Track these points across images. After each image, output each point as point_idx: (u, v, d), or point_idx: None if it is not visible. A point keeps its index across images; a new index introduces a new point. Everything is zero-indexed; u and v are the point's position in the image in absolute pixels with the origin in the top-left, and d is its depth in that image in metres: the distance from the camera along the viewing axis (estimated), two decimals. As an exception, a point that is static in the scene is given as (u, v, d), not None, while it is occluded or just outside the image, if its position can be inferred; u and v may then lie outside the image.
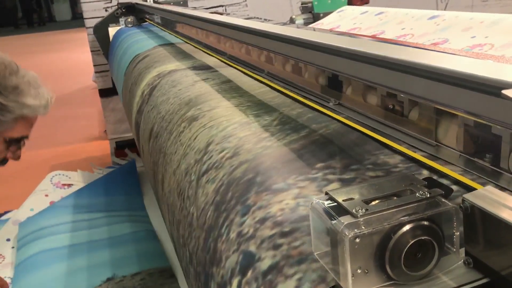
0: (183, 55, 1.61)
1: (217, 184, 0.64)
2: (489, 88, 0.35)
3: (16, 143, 1.41)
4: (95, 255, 1.81)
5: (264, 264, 0.45)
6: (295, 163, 0.59)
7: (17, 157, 1.44)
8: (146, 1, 2.76)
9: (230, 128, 0.77)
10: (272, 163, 0.60)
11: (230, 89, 1.03)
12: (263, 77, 1.08)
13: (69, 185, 2.51)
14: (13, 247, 1.99)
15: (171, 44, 1.88)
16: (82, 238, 1.95)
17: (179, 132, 0.90)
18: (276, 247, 0.46)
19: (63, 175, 2.57)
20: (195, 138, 0.82)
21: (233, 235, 0.53)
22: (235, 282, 0.47)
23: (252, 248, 0.48)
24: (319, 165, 0.57)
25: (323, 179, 0.54)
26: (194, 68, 1.32)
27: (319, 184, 0.53)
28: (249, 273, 0.46)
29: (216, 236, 0.56)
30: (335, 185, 0.52)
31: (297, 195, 0.51)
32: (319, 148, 0.62)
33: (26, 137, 1.43)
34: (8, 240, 2.05)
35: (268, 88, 0.99)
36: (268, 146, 0.66)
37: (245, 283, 0.46)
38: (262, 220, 0.50)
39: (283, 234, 0.46)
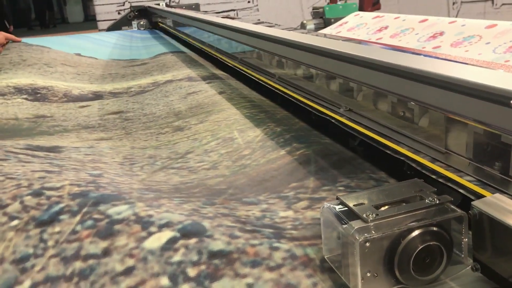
0: (187, 62, 1.62)
1: (184, 179, 0.64)
2: (499, 98, 0.36)
3: None
4: None
5: (215, 245, 0.44)
6: (269, 182, 0.60)
7: None
8: (159, 4, 2.79)
9: (213, 143, 0.78)
10: (247, 181, 0.62)
11: (222, 100, 1.04)
12: (274, 82, 1.09)
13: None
14: None
15: (177, 52, 1.90)
16: None
17: (158, 132, 0.89)
18: (233, 237, 0.45)
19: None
20: (175, 143, 0.81)
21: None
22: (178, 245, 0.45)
23: (206, 223, 0.47)
24: (292, 184, 0.58)
25: (294, 197, 0.55)
26: (190, 79, 1.32)
27: (288, 202, 0.54)
28: (193, 241, 0.44)
29: None
30: (305, 203, 0.53)
31: (265, 209, 0.53)
32: (295, 169, 0.63)
33: None
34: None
35: (262, 98, 1.01)
36: (247, 164, 0.67)
37: (183, 246, 0.44)
38: (225, 215, 0.50)
39: (243, 230, 0.46)
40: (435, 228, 0.37)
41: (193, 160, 0.71)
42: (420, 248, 0.36)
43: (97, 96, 1.25)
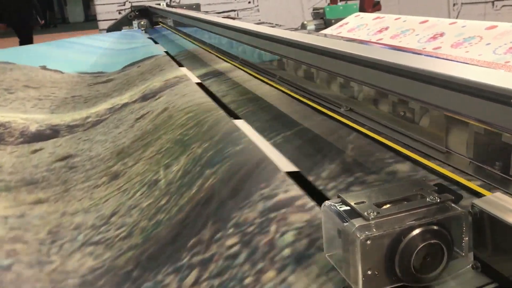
0: (157, 68, 1.59)
1: (96, 262, 0.63)
2: (500, 97, 0.36)
3: None
4: None
5: None
6: (171, 247, 0.59)
7: None
8: (159, 4, 2.80)
9: (138, 194, 0.77)
10: (156, 248, 0.60)
11: (163, 122, 1.03)
12: (275, 82, 1.10)
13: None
14: None
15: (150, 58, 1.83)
16: None
17: (95, 185, 0.88)
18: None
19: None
20: (106, 201, 0.80)
21: None
22: None
23: None
24: (190, 243, 0.57)
25: (188, 266, 0.53)
26: (143, 98, 1.31)
27: (182, 277, 0.52)
28: None
29: None
30: (195, 273, 0.52)
31: None
32: (198, 215, 0.62)
33: None
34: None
35: (203, 97, 1.00)
36: (160, 221, 0.66)
37: None
38: None
39: None
40: (436, 227, 0.37)
41: (114, 227, 0.70)
42: (421, 246, 0.36)
43: (54, 132, 1.22)
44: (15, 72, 1.75)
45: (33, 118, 1.31)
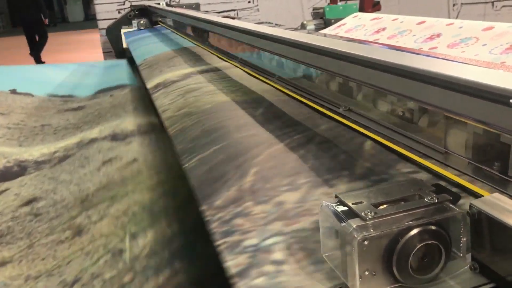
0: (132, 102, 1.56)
1: None
2: (498, 97, 0.36)
3: None
4: None
5: None
6: None
7: None
8: (159, 4, 2.79)
9: (101, 261, 0.75)
10: None
11: (132, 174, 1.01)
12: (274, 81, 1.09)
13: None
14: None
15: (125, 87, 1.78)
16: None
17: (58, 241, 0.85)
18: None
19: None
20: (68, 263, 0.77)
21: None
22: None
23: None
24: None
25: None
26: (113, 137, 1.29)
27: None
28: None
29: None
30: None
31: None
32: None
33: None
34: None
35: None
36: None
37: None
38: None
39: None
40: (433, 227, 0.37)
41: None
42: (418, 246, 0.36)
43: (21, 169, 1.21)
44: None
45: (1, 152, 1.29)
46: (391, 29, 1.51)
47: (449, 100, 0.42)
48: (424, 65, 0.45)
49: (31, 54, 7.17)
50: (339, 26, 1.80)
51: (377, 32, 1.55)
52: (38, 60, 7.09)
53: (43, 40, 7.24)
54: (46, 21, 7.14)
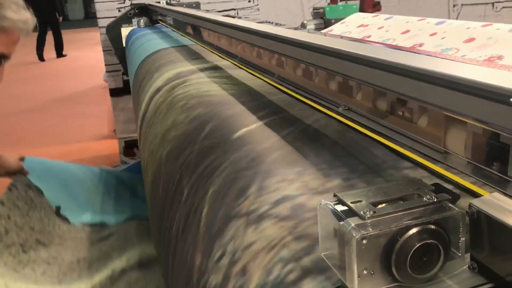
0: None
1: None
2: (498, 96, 0.36)
3: None
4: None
5: None
6: None
7: None
8: (159, 2, 2.79)
9: None
10: None
11: None
12: (273, 80, 1.09)
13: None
14: None
15: None
16: None
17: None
18: None
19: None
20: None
21: None
22: None
23: None
24: None
25: None
26: None
27: None
28: None
29: None
30: None
31: None
32: None
33: (7, 56, 1.37)
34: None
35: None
36: None
37: None
38: None
39: None
40: (432, 226, 0.37)
41: None
42: (417, 246, 0.36)
43: None
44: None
45: None
46: (375, 37, 1.54)
47: (449, 99, 0.42)
48: (424, 64, 0.45)
49: (37, 52, 7.96)
50: (326, 32, 1.82)
51: (362, 39, 1.57)
52: (60, 55, 8.30)
53: (60, 38, 8.23)
54: (61, 19, 8.02)
